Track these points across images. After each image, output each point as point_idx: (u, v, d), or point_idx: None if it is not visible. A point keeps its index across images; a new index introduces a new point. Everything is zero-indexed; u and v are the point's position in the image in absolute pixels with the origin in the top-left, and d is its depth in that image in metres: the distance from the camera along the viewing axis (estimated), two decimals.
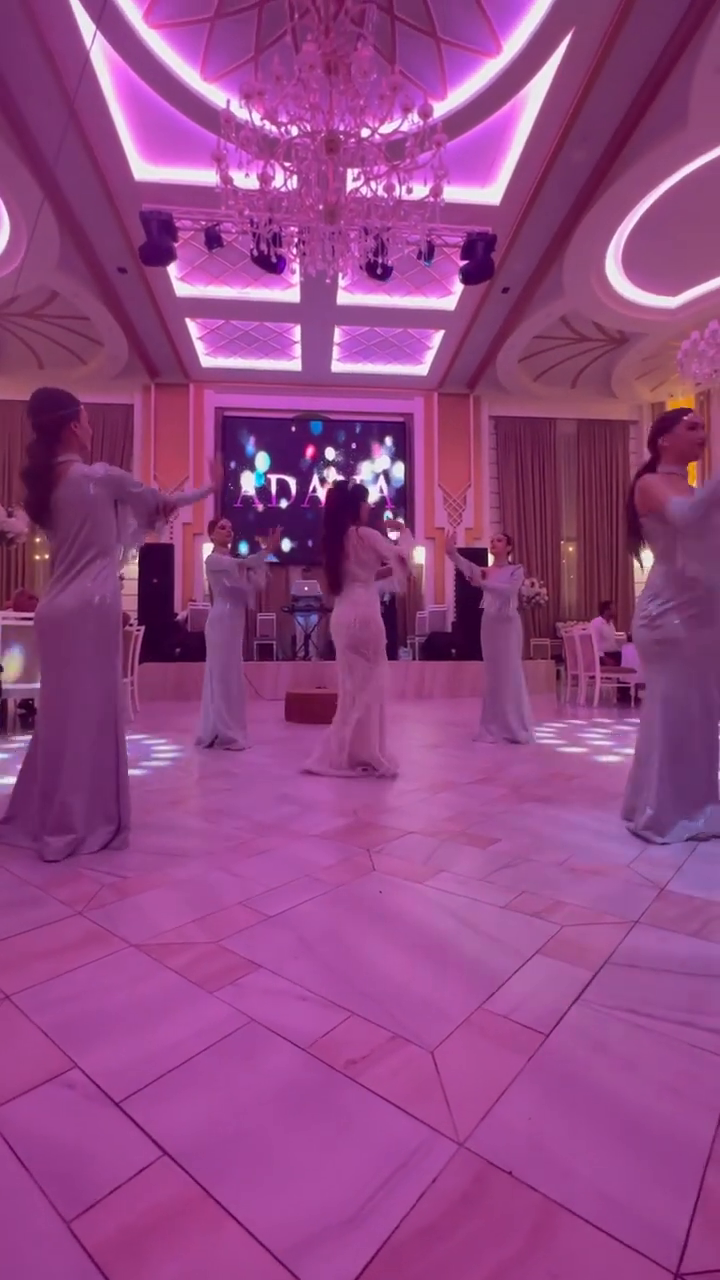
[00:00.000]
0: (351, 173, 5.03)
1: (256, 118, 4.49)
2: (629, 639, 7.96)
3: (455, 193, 6.61)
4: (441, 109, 5.96)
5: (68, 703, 2.28)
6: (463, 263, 7.34)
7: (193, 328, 9.54)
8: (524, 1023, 1.23)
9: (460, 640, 9.58)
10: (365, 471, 11.41)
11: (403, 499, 11.48)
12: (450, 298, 8.74)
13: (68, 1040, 1.17)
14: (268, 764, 4.06)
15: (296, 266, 6.08)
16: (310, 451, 11.34)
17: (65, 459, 2.38)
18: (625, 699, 7.84)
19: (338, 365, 10.51)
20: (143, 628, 7.01)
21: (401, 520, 5.54)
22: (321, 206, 4.77)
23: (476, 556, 10.66)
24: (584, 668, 7.65)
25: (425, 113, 4.31)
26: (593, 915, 1.73)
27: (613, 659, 7.73)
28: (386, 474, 11.52)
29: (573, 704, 7.86)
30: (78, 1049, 1.14)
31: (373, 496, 11.33)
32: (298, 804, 2.99)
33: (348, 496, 3.81)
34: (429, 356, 10.31)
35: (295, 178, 4.96)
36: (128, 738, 2.70)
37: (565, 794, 3.21)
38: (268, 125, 4.55)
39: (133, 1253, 0.77)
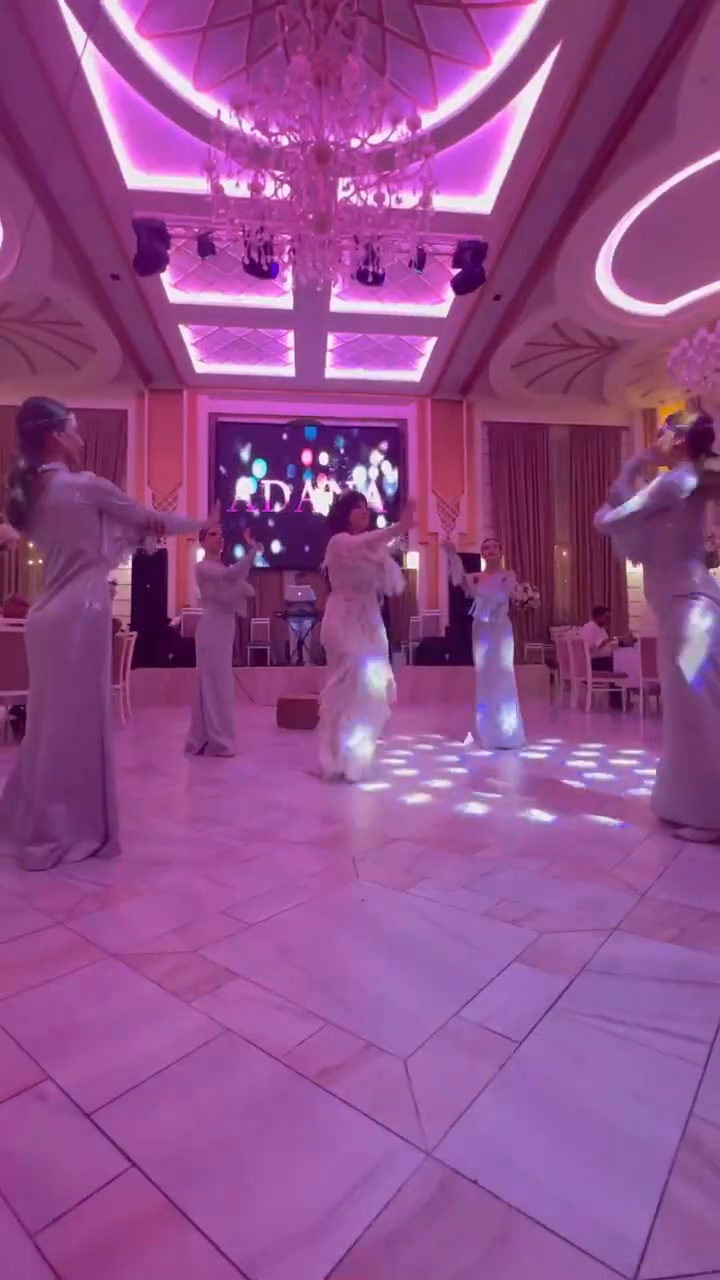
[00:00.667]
0: (342, 182, 5.07)
1: (247, 127, 4.52)
2: (619, 644, 8.00)
3: (447, 201, 6.66)
4: (432, 119, 6.02)
5: (51, 710, 2.29)
6: (454, 271, 7.39)
7: (186, 334, 9.56)
8: (498, 1030, 1.23)
9: (454, 645, 9.60)
10: (358, 477, 11.44)
11: (397, 505, 11.50)
12: (443, 304, 8.79)
13: (42, 1052, 1.17)
14: (257, 771, 4.06)
15: (289, 274, 6.11)
16: (304, 457, 11.36)
17: (48, 467, 2.37)
18: (617, 704, 7.86)
19: (331, 371, 10.55)
20: (135, 634, 6.99)
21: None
22: (312, 216, 4.79)
23: (470, 563, 10.77)
24: (575, 673, 7.67)
25: (414, 124, 4.35)
26: (572, 922, 1.74)
27: (604, 664, 7.75)
28: (380, 480, 11.54)
29: (565, 708, 7.88)
30: (51, 1061, 1.14)
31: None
32: (285, 811, 2.99)
33: (336, 505, 3.86)
34: (422, 363, 10.35)
35: (286, 187, 5.00)
36: (118, 743, 2.68)
37: (554, 798, 3.22)
38: (258, 135, 4.59)
39: (97, 1265, 0.78)
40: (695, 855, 2.31)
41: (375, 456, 11.52)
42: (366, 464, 11.48)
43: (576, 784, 3.57)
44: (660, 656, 2.71)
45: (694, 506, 2.67)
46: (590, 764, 4.19)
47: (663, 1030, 1.24)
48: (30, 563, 10.68)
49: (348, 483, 11.37)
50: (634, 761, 4.26)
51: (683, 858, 2.29)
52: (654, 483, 2.68)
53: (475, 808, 3.04)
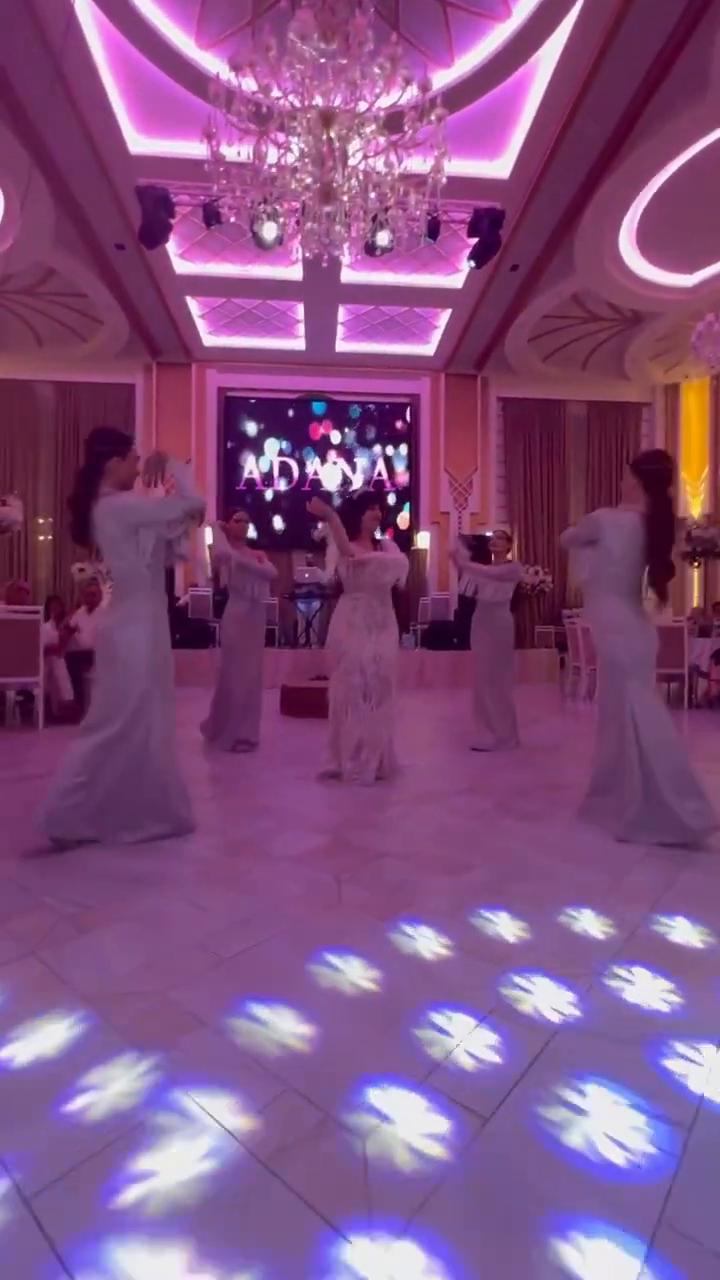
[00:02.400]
0: (350, 148, 4.81)
1: (251, 85, 4.27)
2: None
3: (462, 166, 6.34)
4: (448, 77, 5.69)
5: (109, 716, 2.52)
6: (471, 241, 7.08)
7: (194, 306, 9.31)
8: (465, 1103, 1.18)
9: (463, 629, 9.47)
10: (368, 455, 11.19)
11: (408, 483, 11.28)
12: (457, 275, 8.45)
13: None
14: (258, 767, 4.03)
15: (296, 245, 5.87)
16: (313, 432, 11.13)
17: (105, 491, 2.59)
18: None
19: (342, 345, 10.26)
20: None
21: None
22: (317, 185, 4.56)
23: (480, 544, 10.55)
24: (585, 660, 7.54)
25: (425, 86, 4.09)
26: (556, 964, 1.68)
27: None
28: (390, 457, 11.30)
29: (574, 696, 7.77)
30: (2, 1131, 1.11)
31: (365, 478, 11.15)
32: (275, 817, 2.95)
33: (349, 506, 3.89)
34: (435, 336, 10.03)
35: (291, 152, 4.75)
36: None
37: (551, 809, 3.15)
38: (260, 98, 4.34)
39: None
40: (689, 883, 2.23)
41: (386, 433, 11.25)
42: (377, 440, 11.23)
43: (577, 787, 3.49)
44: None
45: (630, 545, 2.73)
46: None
47: (635, 1109, 1.17)
48: (41, 538, 10.63)
49: (356, 459, 11.14)
50: None
51: (677, 887, 2.22)
52: (588, 515, 2.95)
53: (469, 816, 2.99)
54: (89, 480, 2.60)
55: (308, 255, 5.19)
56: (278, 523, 10.91)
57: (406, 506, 11.21)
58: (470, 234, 6.90)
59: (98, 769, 2.47)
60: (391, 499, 11.10)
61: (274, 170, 4.53)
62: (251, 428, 11.07)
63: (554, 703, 7.39)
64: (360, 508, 3.80)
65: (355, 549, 3.63)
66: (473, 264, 7.33)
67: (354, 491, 10.61)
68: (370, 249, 5.99)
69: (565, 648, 8.96)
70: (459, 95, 5.70)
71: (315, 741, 4.19)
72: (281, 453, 11.07)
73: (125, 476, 2.67)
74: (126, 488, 2.68)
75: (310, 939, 1.80)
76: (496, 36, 5.39)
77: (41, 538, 10.69)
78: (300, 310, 9.36)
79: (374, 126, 4.31)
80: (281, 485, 11.08)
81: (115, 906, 1.99)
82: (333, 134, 4.35)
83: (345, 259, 5.45)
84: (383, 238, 5.79)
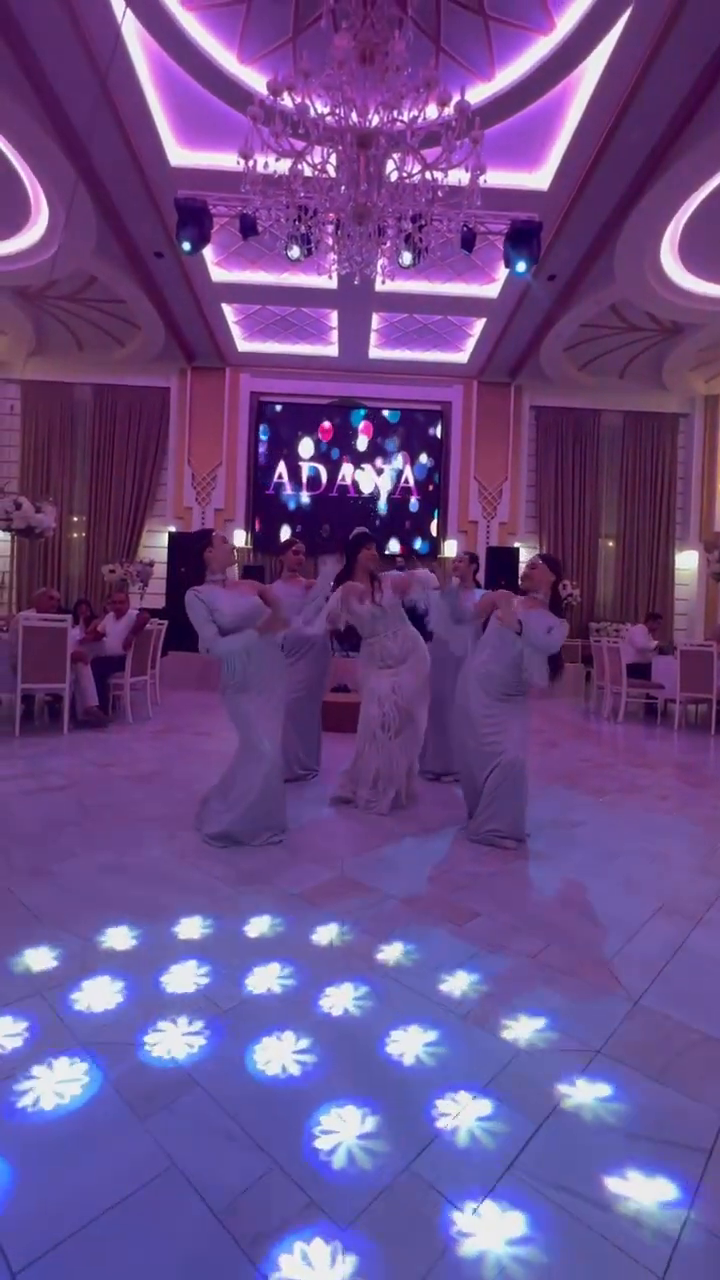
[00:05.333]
0: (386, 169, 4.79)
1: (288, 103, 4.28)
2: (660, 651, 7.68)
3: (501, 177, 6.28)
4: (489, 90, 5.62)
5: None
6: (509, 253, 7.00)
7: (229, 312, 9.39)
8: (448, 1195, 1.19)
9: None
10: (397, 461, 11.13)
11: (436, 491, 11.21)
12: (493, 285, 8.36)
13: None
14: None
15: (332, 258, 5.88)
16: (345, 438, 11.12)
17: (209, 579, 3.05)
18: (652, 714, 7.59)
19: (375, 351, 10.24)
20: (165, 623, 7.08)
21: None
22: (351, 205, 4.55)
23: (509, 556, 10.41)
24: (610, 680, 7.42)
25: (462, 109, 4.04)
26: (554, 1038, 1.67)
27: (641, 672, 7.47)
28: (420, 465, 11.23)
29: (597, 716, 7.66)
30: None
31: (384, 488, 11.09)
32: (288, 847, 2.98)
33: (345, 550, 3.81)
34: (470, 344, 9.93)
35: (330, 165, 4.75)
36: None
37: (566, 846, 3.11)
38: (298, 123, 4.35)
39: None
40: (696, 950, 2.18)
41: (417, 440, 11.19)
42: (408, 447, 11.17)
43: (590, 824, 3.45)
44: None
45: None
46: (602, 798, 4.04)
47: (617, 1228, 1.16)
48: (75, 535, 10.86)
49: (386, 465, 11.09)
50: (659, 801, 4.09)
51: (686, 948, 2.18)
52: None
53: (478, 856, 2.97)
54: (195, 569, 3.12)
55: (342, 272, 5.19)
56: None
57: (435, 514, 11.15)
58: (507, 261, 6.87)
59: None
60: (414, 505, 11.06)
61: (308, 195, 4.54)
62: (283, 432, 11.12)
63: (578, 723, 7.29)
64: (356, 547, 3.78)
65: (354, 592, 3.65)
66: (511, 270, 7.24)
67: (371, 510, 10.60)
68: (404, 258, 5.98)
69: (592, 662, 8.83)
70: (499, 108, 5.63)
71: (335, 760, 4.22)
72: (312, 458, 11.10)
73: (212, 563, 3.07)
74: (220, 573, 3.09)
75: (307, 992, 1.82)
76: (539, 49, 5.30)
77: (75, 535, 10.92)
78: (334, 317, 9.36)
79: (410, 148, 4.27)
80: (311, 491, 11.11)
81: (120, 947, 2.03)
82: (369, 155, 4.33)
83: (379, 278, 5.44)
84: (406, 258, 5.78)
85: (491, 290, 8.46)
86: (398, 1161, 1.26)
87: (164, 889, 2.46)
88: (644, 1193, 1.21)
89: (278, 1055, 1.54)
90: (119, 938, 2.07)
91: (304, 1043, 1.59)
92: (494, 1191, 1.20)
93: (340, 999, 1.79)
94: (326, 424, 11.08)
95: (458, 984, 1.89)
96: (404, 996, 1.82)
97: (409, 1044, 1.61)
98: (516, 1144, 1.31)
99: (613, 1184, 1.22)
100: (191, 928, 2.16)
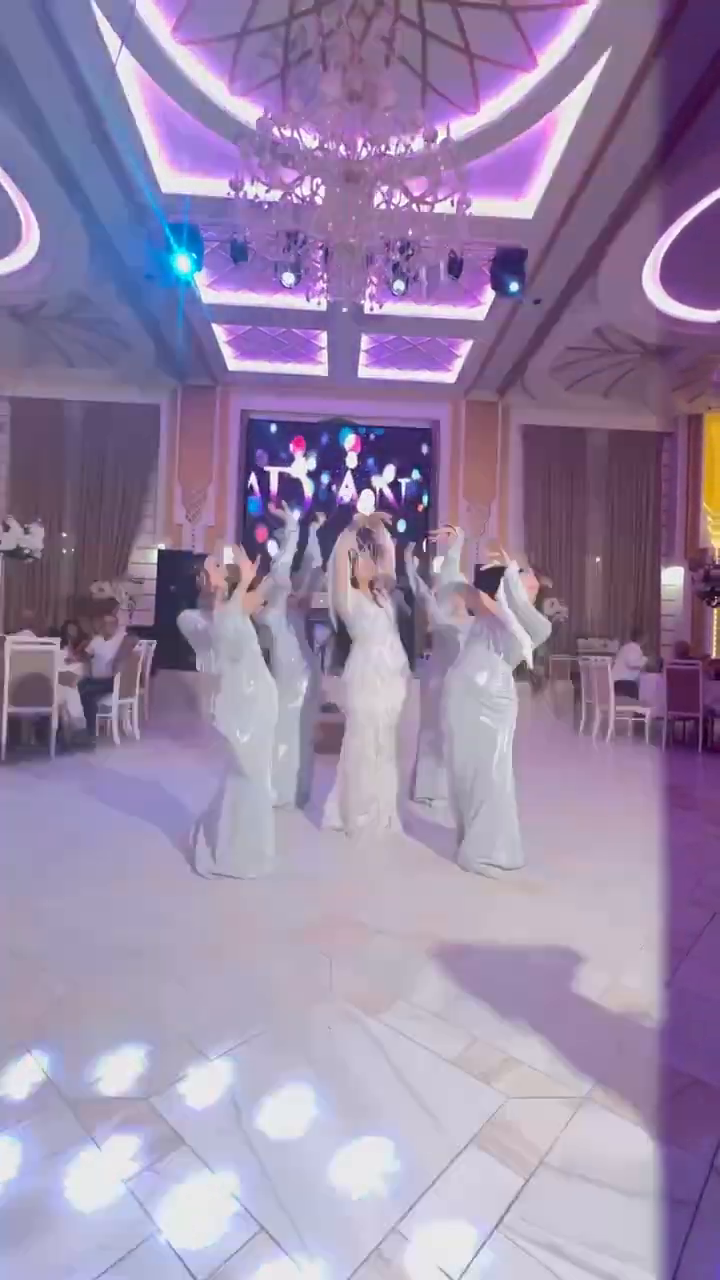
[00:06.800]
0: (374, 202, 4.87)
1: (279, 134, 4.35)
2: (645, 669, 7.75)
3: (485, 206, 6.39)
4: (474, 124, 5.74)
5: None
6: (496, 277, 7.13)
7: (220, 332, 9.46)
8: (435, 1261, 1.18)
9: None
10: (386, 478, 11.22)
11: (428, 512, 11.29)
12: (480, 308, 8.48)
13: None
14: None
15: (321, 285, 5.96)
16: (333, 456, 11.20)
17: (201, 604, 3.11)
18: (641, 732, 7.63)
19: (364, 370, 10.34)
20: (153, 643, 7.05)
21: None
22: (337, 241, 4.63)
23: (498, 575, 10.48)
24: (599, 699, 7.47)
25: (448, 147, 4.14)
26: (543, 1082, 1.67)
27: (629, 690, 7.53)
28: (408, 483, 11.33)
29: (585, 735, 7.69)
30: None
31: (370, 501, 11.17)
32: (274, 881, 2.95)
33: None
34: (457, 364, 10.06)
35: (319, 194, 4.83)
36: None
37: (554, 877, 3.10)
38: (288, 149, 4.43)
39: None
40: (686, 987, 2.19)
41: (405, 458, 11.29)
42: (396, 466, 11.27)
43: (583, 851, 3.45)
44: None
45: None
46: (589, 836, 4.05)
47: (597, 1270, 1.16)
48: (64, 551, 10.81)
49: (373, 484, 11.17)
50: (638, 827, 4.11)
51: (677, 985, 2.19)
52: None
53: (470, 887, 2.97)
54: (189, 597, 3.24)
55: (331, 300, 5.26)
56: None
57: (422, 528, 11.23)
58: (494, 286, 6.99)
59: None
60: (403, 526, 11.13)
61: (297, 223, 4.61)
62: (272, 450, 11.18)
63: (567, 742, 7.32)
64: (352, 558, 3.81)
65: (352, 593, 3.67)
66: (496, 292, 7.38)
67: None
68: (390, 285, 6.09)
69: (579, 679, 8.88)
70: (484, 140, 5.75)
71: (321, 785, 4.20)
72: (301, 475, 11.16)
73: (206, 587, 3.10)
74: (211, 598, 3.10)
75: (296, 1035, 1.81)
76: (522, 86, 5.43)
77: (65, 552, 10.88)
78: (324, 338, 9.46)
79: (397, 182, 4.36)
80: (302, 508, 11.15)
81: (107, 987, 2.02)
82: (355, 188, 4.42)
83: (367, 306, 5.53)
84: (399, 286, 5.90)
85: (478, 313, 8.59)
86: (389, 1217, 1.25)
87: (150, 929, 2.44)
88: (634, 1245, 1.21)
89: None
90: (113, 985, 2.05)
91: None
92: (479, 1254, 1.19)
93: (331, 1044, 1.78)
94: (317, 442, 11.16)
95: (448, 1025, 1.88)
96: (389, 1043, 1.81)
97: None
98: (504, 1200, 1.31)
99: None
100: (183, 964, 2.14)
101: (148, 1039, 1.78)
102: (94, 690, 5.81)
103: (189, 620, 3.07)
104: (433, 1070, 1.70)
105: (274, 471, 11.11)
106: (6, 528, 6.05)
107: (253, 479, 11.11)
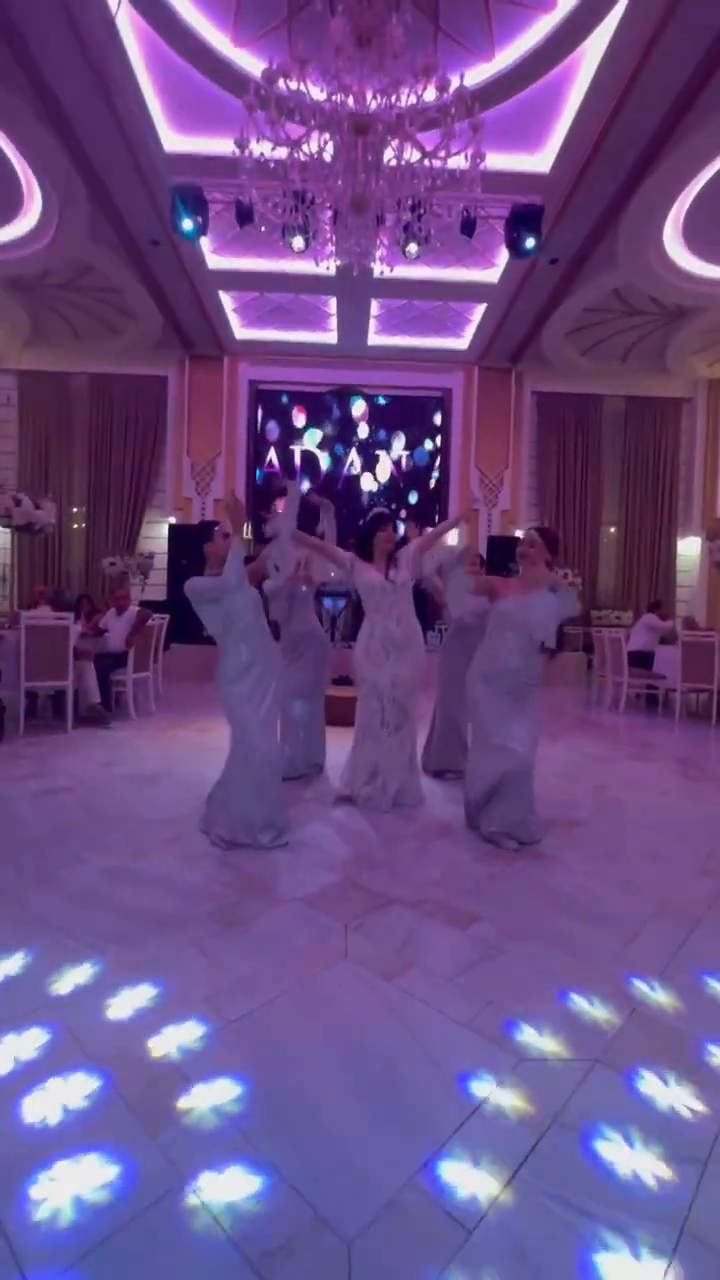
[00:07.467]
0: (384, 156, 4.70)
1: (285, 87, 4.19)
2: (661, 641, 7.67)
3: (501, 160, 6.15)
4: (488, 71, 5.49)
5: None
6: (512, 236, 6.88)
7: (226, 300, 9.27)
8: (451, 1210, 1.22)
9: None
10: (397, 449, 11.06)
11: (438, 479, 11.14)
12: (494, 270, 8.23)
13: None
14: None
15: (330, 249, 5.79)
16: (343, 426, 11.04)
17: (208, 574, 3.06)
18: (654, 704, 7.60)
19: (374, 338, 10.11)
20: (166, 617, 7.08)
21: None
22: (350, 195, 4.47)
23: (512, 544, 10.33)
24: (612, 670, 7.42)
25: (462, 95, 3.95)
26: (555, 1044, 1.70)
27: (642, 662, 7.46)
28: (419, 452, 11.16)
29: (599, 707, 7.67)
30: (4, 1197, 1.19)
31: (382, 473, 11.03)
32: (290, 850, 3.00)
33: (360, 530, 3.81)
34: (470, 330, 9.81)
35: (328, 150, 4.66)
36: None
37: (566, 847, 3.13)
38: (294, 102, 4.26)
39: None
40: (697, 951, 2.21)
41: (416, 427, 11.10)
42: (408, 435, 11.09)
43: (593, 823, 3.47)
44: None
45: None
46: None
47: (622, 1231, 1.20)
48: (76, 526, 10.82)
49: (385, 453, 11.02)
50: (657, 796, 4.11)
51: (688, 947, 2.21)
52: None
53: (481, 855, 3.00)
54: (198, 569, 3.16)
55: (340, 264, 5.12)
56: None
57: (437, 500, 11.10)
58: (509, 244, 6.74)
59: None
60: (414, 498, 11.01)
61: (305, 182, 4.46)
62: (282, 420, 11.03)
63: (579, 713, 7.30)
64: (372, 528, 3.77)
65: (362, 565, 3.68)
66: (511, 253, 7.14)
67: (374, 501, 10.60)
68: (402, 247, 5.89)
69: (593, 650, 8.81)
70: (500, 89, 5.51)
71: (343, 751, 4.21)
72: (311, 446, 11.03)
73: (208, 556, 3.10)
74: (216, 564, 3.06)
75: (313, 1000, 1.85)
76: (541, 28, 5.17)
77: (75, 527, 10.88)
78: (333, 304, 9.24)
79: (408, 135, 4.19)
80: (310, 478, 11.05)
81: (132, 954, 2.07)
82: (366, 141, 4.25)
83: (377, 268, 5.37)
84: (412, 249, 5.69)
85: (492, 275, 8.34)
86: (406, 1169, 1.29)
87: (167, 897, 2.49)
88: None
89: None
90: (134, 949, 2.10)
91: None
92: (495, 1201, 1.23)
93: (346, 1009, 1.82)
94: (326, 411, 11.00)
95: (461, 990, 1.91)
96: (403, 1006, 1.84)
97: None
98: (517, 1157, 1.34)
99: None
100: (203, 929, 2.19)
101: (168, 1002, 1.82)
102: (109, 664, 5.86)
103: (194, 587, 3.01)
104: (447, 1032, 1.73)
105: (296, 450, 10.95)
106: (18, 503, 6.04)
107: (272, 454, 10.97)
